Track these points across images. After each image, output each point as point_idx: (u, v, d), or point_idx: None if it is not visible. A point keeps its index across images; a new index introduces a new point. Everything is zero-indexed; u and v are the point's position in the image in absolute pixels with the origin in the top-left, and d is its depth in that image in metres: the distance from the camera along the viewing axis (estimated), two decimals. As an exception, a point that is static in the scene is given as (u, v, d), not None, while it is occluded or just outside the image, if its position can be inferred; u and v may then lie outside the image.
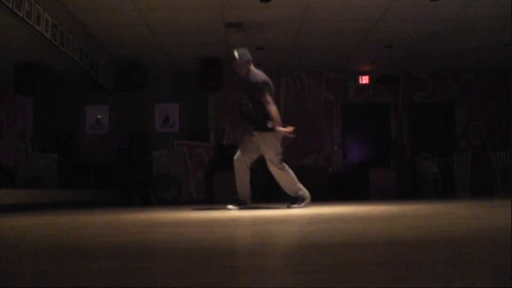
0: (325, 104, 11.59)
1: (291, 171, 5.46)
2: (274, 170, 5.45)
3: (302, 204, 5.37)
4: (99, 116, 11.59)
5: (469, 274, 1.21)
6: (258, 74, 5.45)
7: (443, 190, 10.59)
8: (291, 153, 10.85)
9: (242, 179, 5.57)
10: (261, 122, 5.29)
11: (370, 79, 11.62)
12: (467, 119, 11.75)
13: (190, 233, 2.60)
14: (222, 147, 10.51)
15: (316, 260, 1.51)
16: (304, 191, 5.46)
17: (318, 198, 10.19)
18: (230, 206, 5.52)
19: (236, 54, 5.41)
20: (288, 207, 5.34)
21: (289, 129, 5.29)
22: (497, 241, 1.94)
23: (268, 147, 5.38)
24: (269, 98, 5.29)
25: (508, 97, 11.73)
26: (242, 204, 5.54)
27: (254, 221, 3.41)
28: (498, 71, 11.74)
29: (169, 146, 10.08)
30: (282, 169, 5.44)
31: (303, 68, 11.39)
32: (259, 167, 6.19)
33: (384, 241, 2.04)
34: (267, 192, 9.35)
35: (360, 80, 11.62)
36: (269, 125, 5.24)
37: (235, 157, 5.57)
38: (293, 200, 5.45)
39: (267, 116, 5.25)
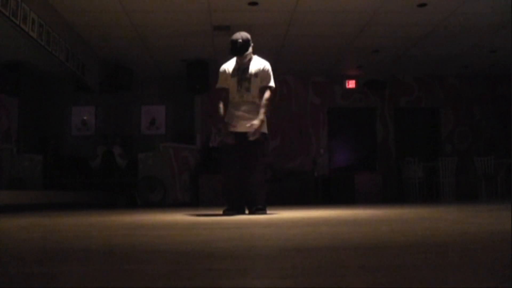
0: (312, 108, 11.62)
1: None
2: None
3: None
4: (85, 117, 11.51)
5: (453, 277, 1.22)
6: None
7: (428, 195, 10.66)
8: (278, 157, 10.88)
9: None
10: None
11: (356, 84, 11.68)
12: (453, 124, 11.85)
13: (175, 235, 2.60)
14: (208, 150, 10.49)
15: (302, 263, 1.52)
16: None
17: (303, 201, 10.26)
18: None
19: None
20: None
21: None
22: (481, 245, 1.96)
23: None
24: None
25: (493, 103, 11.87)
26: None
27: (239, 224, 3.41)
28: (483, 77, 11.86)
29: (155, 148, 10.02)
30: None
31: (289, 72, 11.40)
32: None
33: (370, 244, 2.05)
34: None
35: (346, 84, 11.68)
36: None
37: None
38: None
39: None
